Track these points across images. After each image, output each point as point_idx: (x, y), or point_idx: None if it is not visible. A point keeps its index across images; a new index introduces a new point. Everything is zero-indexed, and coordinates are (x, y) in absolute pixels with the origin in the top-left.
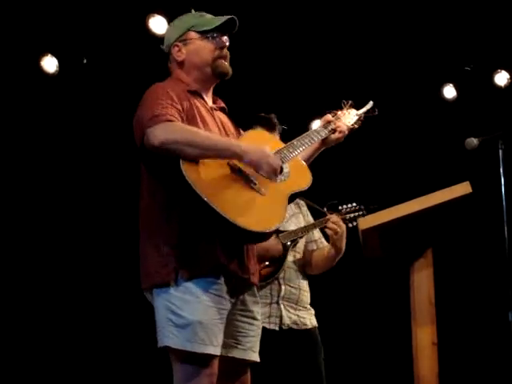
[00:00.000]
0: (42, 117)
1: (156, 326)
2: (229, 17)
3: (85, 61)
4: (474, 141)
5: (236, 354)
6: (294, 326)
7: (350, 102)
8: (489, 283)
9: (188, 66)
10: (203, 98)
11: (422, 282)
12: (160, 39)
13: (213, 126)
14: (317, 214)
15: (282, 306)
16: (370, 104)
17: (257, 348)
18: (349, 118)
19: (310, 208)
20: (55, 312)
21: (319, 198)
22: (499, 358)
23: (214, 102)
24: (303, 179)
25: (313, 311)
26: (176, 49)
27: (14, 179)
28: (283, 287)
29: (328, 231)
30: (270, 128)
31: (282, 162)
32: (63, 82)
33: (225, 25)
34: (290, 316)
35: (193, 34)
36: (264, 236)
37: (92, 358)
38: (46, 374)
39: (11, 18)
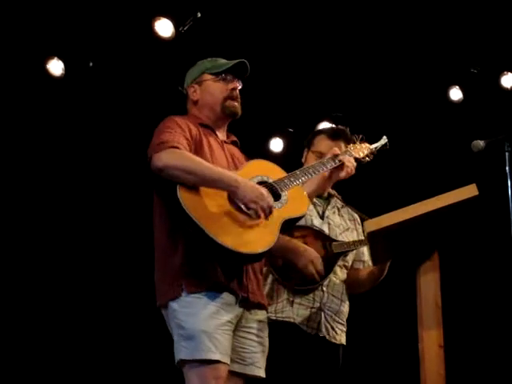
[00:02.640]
0: (48, 120)
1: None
2: (240, 60)
3: (91, 64)
4: (480, 143)
5: (237, 368)
6: (327, 336)
7: (362, 135)
8: (496, 286)
9: (201, 105)
10: (215, 132)
11: (429, 284)
12: (166, 42)
13: (221, 157)
14: None
15: (322, 313)
16: (384, 139)
17: (262, 364)
18: (360, 150)
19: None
20: (59, 316)
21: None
22: (507, 361)
23: (227, 137)
24: (299, 207)
25: (345, 329)
26: (192, 89)
27: (20, 182)
28: (325, 294)
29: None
30: (335, 140)
31: (281, 190)
32: (69, 85)
33: (237, 68)
34: (326, 325)
35: (207, 76)
36: (252, 257)
37: (97, 361)
38: (48, 374)
39: (17, 21)
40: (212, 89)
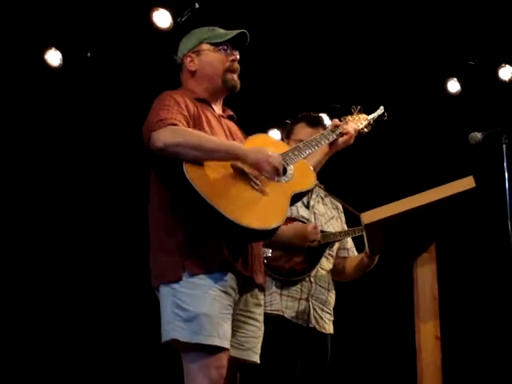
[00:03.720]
0: (46, 110)
1: (161, 322)
2: (241, 30)
3: (89, 54)
4: (477, 135)
5: (234, 353)
6: (317, 327)
7: (360, 107)
8: (493, 278)
9: (199, 76)
10: (211, 107)
11: (426, 276)
12: (164, 33)
13: (220, 132)
14: (352, 217)
15: (310, 304)
16: (381, 109)
17: (258, 349)
18: (358, 122)
19: (345, 211)
20: (57, 311)
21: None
22: (503, 352)
23: (223, 111)
24: (307, 180)
25: (333, 319)
26: (189, 59)
27: (17, 174)
28: (313, 285)
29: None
30: (315, 127)
31: (287, 164)
32: (67, 76)
33: (236, 39)
34: (315, 316)
35: (206, 46)
36: (264, 234)
37: (93, 354)
38: (46, 372)
39: (15, 12)
40: (211, 59)
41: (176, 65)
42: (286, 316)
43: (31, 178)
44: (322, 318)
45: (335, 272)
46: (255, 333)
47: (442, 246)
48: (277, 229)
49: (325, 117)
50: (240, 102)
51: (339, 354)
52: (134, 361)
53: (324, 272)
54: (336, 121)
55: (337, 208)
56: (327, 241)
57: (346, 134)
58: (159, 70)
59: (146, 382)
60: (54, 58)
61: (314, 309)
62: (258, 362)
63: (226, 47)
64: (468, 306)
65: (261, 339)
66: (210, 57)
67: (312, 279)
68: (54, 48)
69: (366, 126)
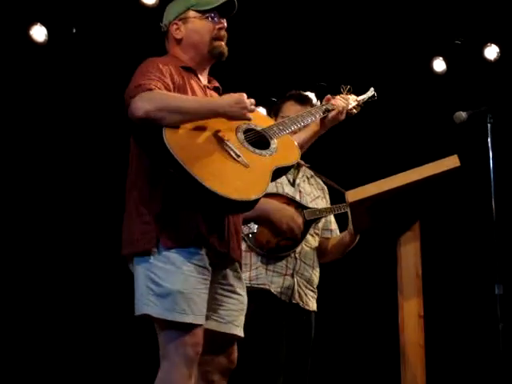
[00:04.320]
0: (31, 86)
1: (135, 294)
2: None
3: (74, 30)
4: (462, 114)
5: (215, 327)
6: (300, 303)
7: (349, 86)
8: (476, 256)
9: (185, 44)
10: (197, 76)
11: (409, 254)
12: (150, 9)
13: None
14: (338, 196)
15: (295, 281)
16: (371, 91)
17: (239, 323)
18: (348, 102)
19: (329, 188)
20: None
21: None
22: (485, 330)
23: (208, 82)
24: (290, 155)
25: (316, 296)
26: (175, 27)
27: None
28: (298, 261)
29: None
30: (304, 105)
31: (270, 138)
32: (52, 52)
33: (224, 6)
34: (299, 292)
35: (192, 13)
36: (243, 205)
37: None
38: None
39: None
40: (199, 27)
41: (162, 32)
42: (271, 290)
43: (15, 155)
44: (306, 294)
45: (318, 252)
46: (236, 306)
47: (426, 225)
48: (256, 201)
49: (312, 96)
50: (226, 79)
51: (323, 331)
52: (109, 332)
53: (309, 249)
54: (328, 96)
55: (322, 189)
56: (313, 217)
57: (336, 109)
58: (145, 46)
59: (120, 354)
60: (39, 33)
61: (299, 285)
62: (241, 335)
63: (213, 15)
64: (452, 284)
65: (243, 312)
66: (196, 24)
67: (297, 255)
68: (39, 23)
69: (354, 107)
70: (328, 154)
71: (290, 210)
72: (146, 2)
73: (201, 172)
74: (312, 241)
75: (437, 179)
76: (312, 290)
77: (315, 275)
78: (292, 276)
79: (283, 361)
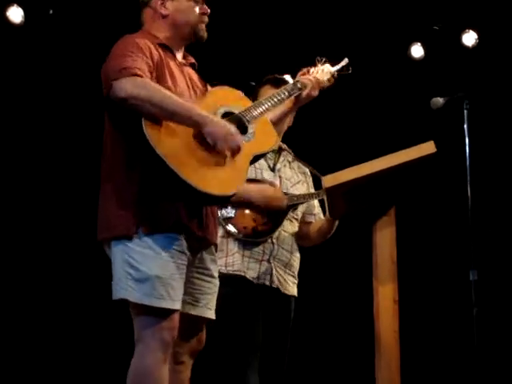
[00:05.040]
0: (8, 68)
1: (112, 279)
2: None
3: (51, 11)
4: (439, 100)
5: (191, 310)
6: (281, 288)
7: (324, 58)
8: (451, 242)
9: (169, 23)
10: (173, 53)
11: (385, 240)
12: None
13: (181, 80)
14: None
15: (272, 265)
16: (345, 61)
17: (212, 305)
18: (322, 74)
19: (314, 176)
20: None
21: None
22: (459, 316)
23: (183, 58)
24: (268, 141)
25: (297, 281)
26: (159, 2)
27: None
28: (275, 246)
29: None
30: (280, 87)
31: (248, 122)
32: (29, 33)
33: None
34: (278, 277)
35: None
36: (222, 199)
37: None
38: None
39: None
40: (185, 8)
41: (137, 3)
42: (247, 277)
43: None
44: (285, 279)
45: (299, 236)
46: (211, 289)
47: (401, 210)
48: (233, 194)
49: (288, 78)
50: (204, 63)
51: (300, 316)
52: (86, 317)
53: (287, 234)
54: (300, 73)
55: (304, 173)
56: (291, 203)
57: (306, 87)
58: (122, 26)
59: (95, 338)
60: (15, 14)
61: (277, 270)
62: (213, 317)
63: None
64: (426, 270)
65: (215, 295)
66: (183, 5)
67: (274, 241)
68: (15, 4)
69: (329, 79)
70: (305, 140)
71: (271, 190)
72: None
73: (179, 165)
74: (289, 226)
75: (413, 165)
76: (291, 275)
77: (294, 260)
78: (268, 261)
79: (259, 342)
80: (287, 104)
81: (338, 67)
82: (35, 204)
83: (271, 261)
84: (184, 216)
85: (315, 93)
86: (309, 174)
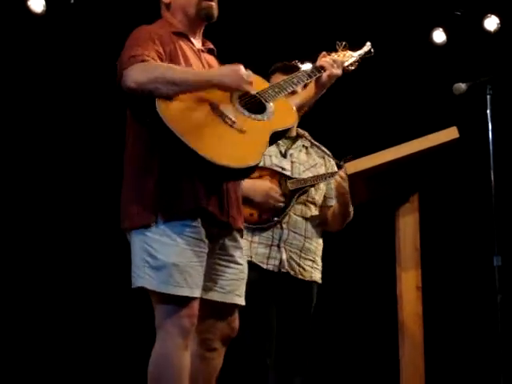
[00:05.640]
0: (30, 57)
1: (131, 266)
2: None
3: (72, 1)
4: (462, 86)
5: (216, 297)
6: (291, 272)
7: (345, 43)
8: (475, 228)
9: (174, 8)
10: (190, 40)
11: (408, 226)
12: None
13: (197, 67)
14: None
15: (282, 250)
16: (368, 46)
17: (241, 291)
18: (344, 59)
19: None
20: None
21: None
22: (483, 302)
23: (203, 44)
24: (287, 118)
25: (319, 267)
26: None
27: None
28: (285, 231)
29: (334, 183)
30: (290, 73)
31: (266, 101)
32: (50, 22)
33: None
34: (290, 261)
35: None
36: (240, 172)
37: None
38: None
39: None
40: None
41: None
42: (254, 261)
43: (12, 133)
44: (299, 264)
45: (321, 221)
46: (236, 275)
47: (424, 197)
48: (254, 167)
49: (300, 64)
50: (222, 46)
51: (324, 303)
52: (106, 305)
53: (300, 219)
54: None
55: (324, 157)
56: (297, 186)
57: (330, 68)
58: (143, 15)
59: (116, 326)
60: (37, 4)
61: (289, 255)
62: (242, 303)
63: None
64: (449, 257)
65: (244, 281)
66: None
67: (284, 225)
68: None
69: (351, 64)
70: (326, 125)
71: (264, 184)
72: None
73: (196, 141)
74: (303, 209)
75: (436, 151)
76: (310, 259)
77: (312, 244)
78: (278, 246)
79: (273, 326)
80: (311, 88)
81: (360, 52)
82: (51, 193)
83: (281, 245)
84: (203, 200)
85: (337, 71)
86: (329, 158)
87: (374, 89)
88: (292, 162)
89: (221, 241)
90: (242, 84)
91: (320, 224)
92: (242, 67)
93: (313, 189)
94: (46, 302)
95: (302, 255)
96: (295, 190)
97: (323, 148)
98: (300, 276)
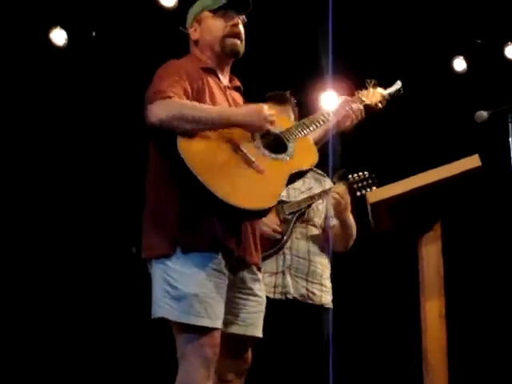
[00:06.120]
0: (51, 89)
1: (152, 297)
2: None
3: (94, 33)
4: (483, 114)
5: (236, 330)
6: (300, 298)
7: (374, 80)
8: (498, 256)
9: (202, 45)
10: (217, 76)
11: (431, 255)
12: (168, 12)
13: (223, 103)
14: None
15: (288, 276)
16: (398, 84)
17: (259, 324)
18: (373, 96)
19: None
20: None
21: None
22: (508, 330)
23: (230, 81)
24: (307, 159)
25: (329, 289)
26: (192, 29)
27: (22, 155)
28: (288, 257)
29: (331, 201)
30: (283, 104)
31: (288, 141)
32: (72, 55)
33: (240, 3)
34: (296, 287)
35: (206, 14)
36: (255, 214)
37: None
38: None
39: None
40: (211, 26)
41: (184, 35)
42: None
43: (31, 159)
44: (307, 289)
45: (326, 241)
46: (256, 307)
47: (447, 225)
48: (269, 209)
49: (288, 94)
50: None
51: (345, 331)
52: (125, 334)
53: (302, 242)
54: (347, 97)
55: (318, 179)
56: (292, 210)
57: (354, 114)
58: (165, 49)
59: (137, 356)
60: (59, 36)
61: (295, 280)
62: (260, 336)
63: (226, 13)
64: (473, 285)
65: (262, 314)
66: (209, 23)
67: (287, 251)
68: (59, 27)
69: (380, 101)
70: (348, 154)
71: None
72: (165, 4)
73: (212, 180)
74: (306, 231)
75: (458, 179)
76: (317, 283)
77: (317, 268)
78: (283, 273)
79: (285, 355)
80: (326, 126)
81: (390, 90)
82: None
83: (286, 271)
84: (221, 235)
85: (357, 119)
86: (325, 179)
87: (397, 118)
88: (287, 188)
89: (240, 274)
90: (263, 125)
91: (324, 245)
92: (265, 107)
93: (311, 211)
94: (72, 335)
95: (309, 279)
96: (292, 213)
97: (319, 171)
98: (310, 301)
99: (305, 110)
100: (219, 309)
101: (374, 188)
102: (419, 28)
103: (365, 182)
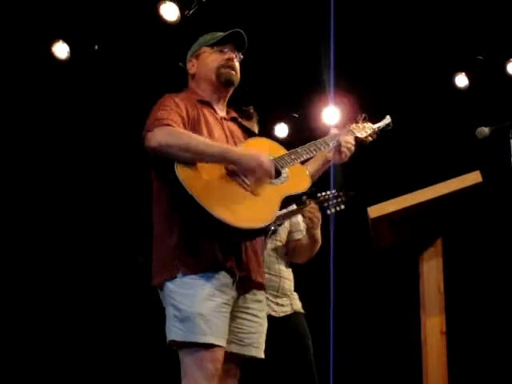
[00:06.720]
0: (54, 103)
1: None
2: (233, 30)
3: (96, 47)
4: (485, 130)
5: (235, 349)
6: (273, 313)
7: (364, 115)
8: (498, 273)
9: (198, 78)
10: (213, 108)
11: (432, 271)
12: (171, 26)
13: (220, 134)
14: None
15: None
16: (387, 119)
17: (259, 344)
18: (363, 130)
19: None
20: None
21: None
22: (509, 346)
23: (226, 113)
24: (300, 183)
25: (296, 296)
26: (190, 64)
27: (23, 166)
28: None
29: (304, 219)
30: (250, 120)
31: (281, 167)
32: (75, 69)
33: (232, 38)
34: (268, 303)
35: (204, 49)
36: (251, 233)
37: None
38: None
39: (23, 5)
40: (207, 59)
41: (185, 72)
42: None
43: (36, 171)
44: (277, 303)
45: (290, 254)
46: (255, 328)
47: (448, 241)
48: (265, 228)
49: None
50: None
51: (346, 347)
52: (134, 360)
53: (272, 259)
54: (336, 130)
55: None
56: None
57: (345, 148)
58: (166, 63)
59: (146, 382)
60: (61, 50)
61: (268, 298)
62: (262, 356)
63: (223, 48)
64: (474, 301)
65: (263, 334)
66: (206, 58)
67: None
68: (61, 40)
69: (370, 135)
70: (352, 170)
71: None
72: (167, 19)
73: (210, 203)
74: (273, 247)
75: (459, 195)
76: (285, 295)
77: (285, 282)
78: None
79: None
80: (323, 157)
81: (380, 124)
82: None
83: None
84: (222, 255)
85: (349, 153)
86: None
87: (398, 133)
88: None
89: (242, 293)
90: (264, 177)
91: (287, 256)
92: (265, 158)
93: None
94: (78, 342)
95: (279, 295)
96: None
97: None
98: (281, 314)
99: (307, 126)
100: (223, 327)
101: (343, 206)
102: (421, 44)
103: (334, 201)
